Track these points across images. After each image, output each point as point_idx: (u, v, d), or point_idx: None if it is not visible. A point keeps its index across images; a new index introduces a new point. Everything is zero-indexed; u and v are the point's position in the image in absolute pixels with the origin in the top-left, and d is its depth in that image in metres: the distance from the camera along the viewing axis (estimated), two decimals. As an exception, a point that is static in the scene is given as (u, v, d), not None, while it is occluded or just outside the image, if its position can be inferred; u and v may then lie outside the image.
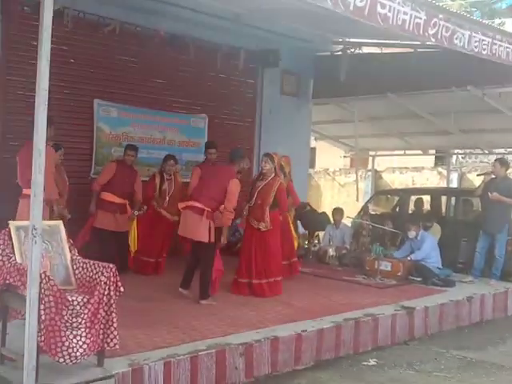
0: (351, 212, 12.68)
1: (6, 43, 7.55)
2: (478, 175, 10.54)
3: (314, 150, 19.65)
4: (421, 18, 6.21)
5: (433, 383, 5.43)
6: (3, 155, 7.49)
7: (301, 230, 10.95)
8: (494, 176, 8.74)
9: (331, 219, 10.75)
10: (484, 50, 7.03)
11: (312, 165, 20.09)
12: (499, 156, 12.16)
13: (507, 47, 7.33)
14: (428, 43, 8.11)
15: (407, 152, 15.39)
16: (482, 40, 7.00)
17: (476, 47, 6.94)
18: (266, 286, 7.08)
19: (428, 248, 8.67)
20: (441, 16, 6.44)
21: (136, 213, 7.93)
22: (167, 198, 8.09)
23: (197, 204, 6.57)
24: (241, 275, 7.10)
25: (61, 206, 6.86)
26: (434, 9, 6.46)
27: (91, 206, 7.75)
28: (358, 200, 13.83)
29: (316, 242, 10.53)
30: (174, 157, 8.25)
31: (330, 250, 9.79)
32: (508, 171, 9.04)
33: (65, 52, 8.18)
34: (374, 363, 5.83)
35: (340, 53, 10.94)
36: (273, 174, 7.12)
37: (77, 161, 8.41)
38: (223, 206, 6.60)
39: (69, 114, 8.26)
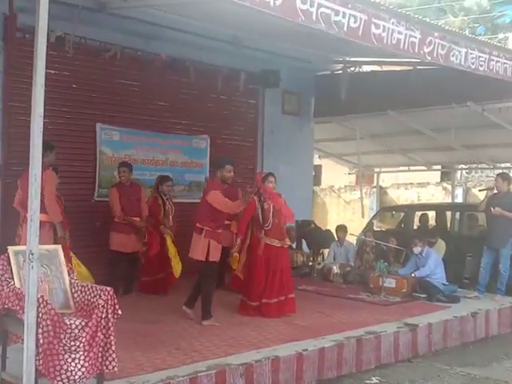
0: (357, 229, 12.70)
1: (8, 70, 7.73)
2: (479, 190, 10.55)
3: (319, 167, 19.72)
4: (416, 37, 6.28)
5: (435, 400, 5.43)
6: (6, 180, 7.59)
7: (305, 248, 10.98)
8: (496, 191, 8.74)
9: (335, 236, 10.76)
10: (481, 66, 7.09)
11: (318, 182, 20.13)
12: (503, 170, 12.18)
13: (505, 63, 7.39)
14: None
15: (412, 168, 15.39)
16: (479, 56, 7.05)
17: (473, 64, 6.99)
18: (275, 305, 7.08)
19: (433, 264, 8.66)
20: (436, 34, 6.50)
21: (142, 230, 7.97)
22: (170, 217, 8.16)
23: (197, 224, 6.75)
24: (253, 299, 7.08)
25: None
26: (428, 27, 6.53)
27: (136, 224, 7.89)
28: (363, 217, 13.81)
29: (320, 259, 10.53)
30: (170, 177, 8.39)
31: (335, 267, 9.79)
32: (511, 186, 9.03)
33: (67, 77, 8.33)
34: (376, 381, 5.81)
35: (340, 72, 11.05)
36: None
37: (80, 184, 8.50)
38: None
39: (71, 139, 8.38)
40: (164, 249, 8.05)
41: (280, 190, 7.66)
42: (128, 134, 9.07)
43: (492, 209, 8.53)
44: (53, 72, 7.99)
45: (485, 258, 8.73)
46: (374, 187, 17.27)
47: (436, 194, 17.34)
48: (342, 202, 18.97)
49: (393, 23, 6.00)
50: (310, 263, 10.40)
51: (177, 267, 7.93)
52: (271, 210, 7.17)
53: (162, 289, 8.07)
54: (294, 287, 8.66)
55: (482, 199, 9.31)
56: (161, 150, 9.48)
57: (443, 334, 7.09)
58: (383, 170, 15.87)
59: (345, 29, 5.56)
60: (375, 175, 16.46)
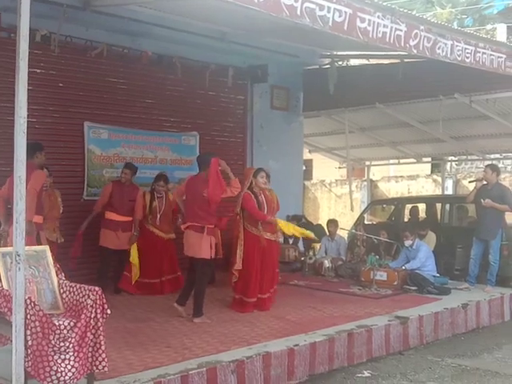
0: (348, 223, 12.73)
1: (-6, 70, 7.69)
2: (469, 182, 10.57)
3: (310, 162, 19.75)
4: (401, 30, 6.30)
5: (426, 392, 5.46)
6: (-6, 181, 7.55)
7: (300, 243, 10.96)
8: (485, 182, 8.75)
9: (326, 231, 10.78)
10: (467, 58, 7.11)
11: (309, 177, 20.17)
12: (492, 162, 12.21)
13: (491, 54, 7.43)
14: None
15: (401, 161, 15.43)
16: (465, 48, 7.08)
17: (459, 56, 7.02)
18: (272, 297, 7.22)
19: (423, 257, 8.70)
20: (422, 27, 6.52)
21: (136, 233, 7.95)
22: (158, 215, 8.10)
23: (195, 223, 6.67)
24: (250, 295, 7.07)
25: (48, 229, 6.93)
26: (414, 20, 6.54)
27: (84, 224, 7.92)
28: (352, 210, 13.81)
29: (311, 254, 10.55)
30: (164, 176, 8.28)
31: (326, 261, 9.81)
32: (499, 176, 9.06)
33: (53, 76, 8.30)
34: (368, 375, 5.82)
35: (328, 66, 11.04)
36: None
37: (69, 183, 8.45)
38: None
39: (59, 138, 8.36)
40: (154, 248, 8.05)
41: (271, 185, 7.69)
42: (116, 132, 9.03)
43: (482, 200, 8.53)
44: (38, 71, 7.99)
45: (474, 250, 8.76)
46: (365, 181, 17.31)
47: (426, 186, 17.40)
48: (333, 196, 19.01)
49: (378, 17, 6.01)
50: (302, 258, 10.41)
51: (136, 271, 7.90)
52: (264, 203, 7.18)
53: (159, 291, 8.02)
54: (286, 282, 8.80)
55: (471, 190, 9.34)
56: (149, 147, 9.45)
57: (434, 326, 7.12)
58: (373, 163, 15.90)
59: (330, 23, 5.56)
60: (365, 168, 16.50)
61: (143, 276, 8.00)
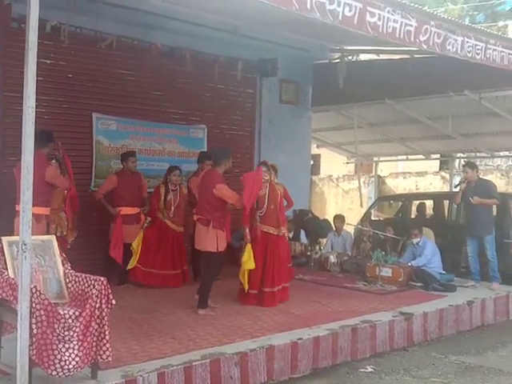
0: (355, 218, 12.70)
1: (3, 60, 7.71)
2: (455, 186, 10.53)
3: (318, 156, 19.69)
4: (412, 26, 6.24)
5: (429, 389, 5.46)
6: (2, 170, 7.60)
7: (303, 237, 10.98)
8: (467, 181, 8.74)
9: (333, 226, 10.77)
10: (478, 54, 7.05)
11: (317, 172, 20.12)
12: (470, 160, 12.03)
13: (501, 51, 7.36)
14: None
15: (410, 157, 15.38)
16: (476, 45, 7.02)
17: (469, 52, 6.96)
18: (278, 293, 7.14)
19: (429, 254, 8.68)
20: (432, 23, 6.47)
21: (148, 220, 7.96)
22: (172, 208, 8.12)
23: (201, 216, 6.75)
24: (252, 287, 7.07)
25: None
26: (424, 16, 6.49)
27: (111, 210, 7.91)
28: (362, 206, 13.82)
29: (318, 249, 10.55)
30: (178, 168, 8.31)
31: (332, 256, 9.81)
32: (479, 173, 9.13)
33: (62, 67, 8.32)
34: (371, 370, 5.84)
35: (338, 60, 11.00)
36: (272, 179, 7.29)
37: (77, 174, 8.40)
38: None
39: (68, 128, 8.35)
40: (164, 240, 8.07)
41: (278, 179, 7.71)
42: (124, 124, 9.05)
43: (471, 199, 8.54)
44: (48, 62, 8.00)
45: (470, 247, 8.76)
46: (373, 176, 17.27)
47: (434, 183, 17.33)
48: (341, 191, 18.97)
49: (388, 11, 5.97)
50: (308, 253, 10.41)
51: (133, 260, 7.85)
52: (267, 195, 7.16)
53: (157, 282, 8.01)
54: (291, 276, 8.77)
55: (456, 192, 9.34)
56: (157, 139, 9.47)
57: (439, 322, 7.12)
58: (381, 159, 15.86)
59: (340, 17, 5.53)
60: (373, 164, 16.47)
61: (152, 267, 8.01)
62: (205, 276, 6.82)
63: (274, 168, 7.62)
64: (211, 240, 6.65)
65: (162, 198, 8.12)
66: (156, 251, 8.04)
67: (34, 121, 3.74)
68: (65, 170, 7.00)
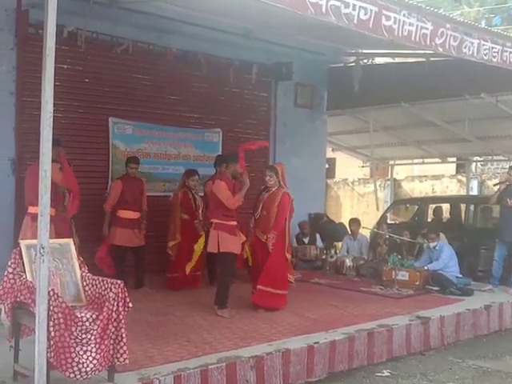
0: (371, 222, 12.64)
1: (21, 66, 7.81)
2: (494, 185, 10.47)
3: (333, 160, 19.66)
4: (427, 29, 6.23)
5: (446, 393, 5.43)
6: (20, 174, 7.66)
7: (318, 242, 10.94)
8: (508, 183, 8.67)
9: (348, 230, 10.75)
10: (494, 57, 7.02)
11: (332, 175, 20.07)
12: None
13: (518, 54, 7.31)
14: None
15: (426, 160, 15.29)
16: (492, 48, 6.98)
17: (486, 55, 6.92)
18: (269, 295, 6.90)
19: (446, 258, 8.62)
20: (448, 26, 6.45)
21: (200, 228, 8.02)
22: (200, 212, 8.14)
23: (215, 219, 6.87)
24: (253, 284, 7.12)
25: None
26: (440, 18, 6.48)
27: (104, 228, 7.85)
28: (378, 209, 13.77)
29: (333, 252, 10.52)
30: (197, 172, 8.34)
31: (347, 260, 9.78)
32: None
33: (79, 72, 8.39)
34: (387, 374, 5.81)
35: (353, 64, 10.99)
36: (277, 186, 7.09)
37: (93, 178, 8.55)
38: None
39: (84, 133, 8.46)
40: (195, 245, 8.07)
41: (293, 183, 7.65)
42: (140, 128, 9.12)
43: (508, 200, 8.47)
44: (65, 67, 8.07)
45: (498, 251, 8.69)
46: (388, 180, 17.20)
47: (451, 187, 17.24)
48: (356, 194, 18.93)
49: (404, 15, 5.96)
50: (324, 256, 10.39)
51: (191, 264, 7.94)
52: (262, 201, 7.08)
53: (193, 285, 8.07)
54: (307, 280, 8.78)
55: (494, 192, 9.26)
56: (173, 143, 9.52)
57: (456, 327, 7.06)
58: (397, 162, 15.79)
59: (355, 21, 5.53)
60: (389, 168, 16.40)
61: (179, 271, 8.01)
62: (220, 278, 6.84)
63: (275, 169, 7.23)
64: (212, 241, 6.75)
65: (193, 203, 8.14)
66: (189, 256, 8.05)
67: (51, 125, 3.77)
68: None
